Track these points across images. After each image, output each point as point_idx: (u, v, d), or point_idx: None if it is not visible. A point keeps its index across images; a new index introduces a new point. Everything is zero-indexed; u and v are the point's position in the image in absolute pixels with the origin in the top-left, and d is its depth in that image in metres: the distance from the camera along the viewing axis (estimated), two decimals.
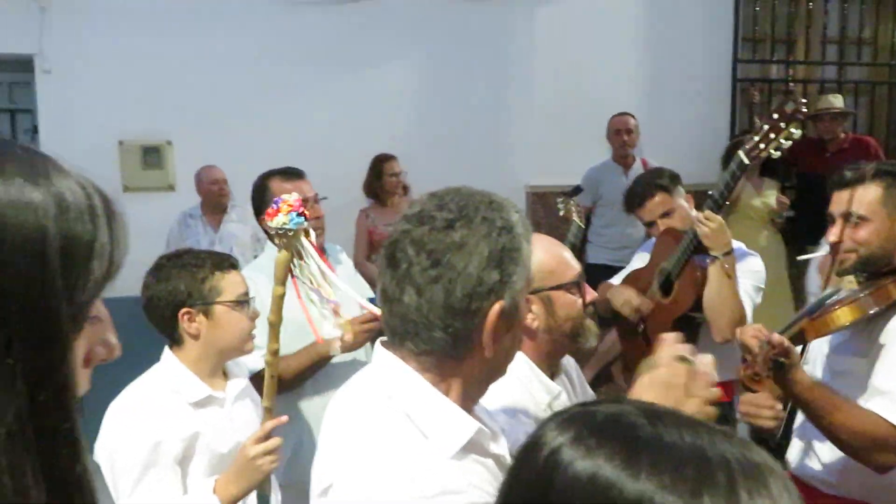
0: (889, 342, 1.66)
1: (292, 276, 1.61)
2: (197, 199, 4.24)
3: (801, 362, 1.63)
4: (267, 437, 1.63)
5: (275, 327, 1.62)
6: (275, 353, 1.63)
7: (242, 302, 1.78)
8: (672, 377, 1.03)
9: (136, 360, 1.78)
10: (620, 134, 4.49)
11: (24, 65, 4.25)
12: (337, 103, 4.59)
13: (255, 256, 2.55)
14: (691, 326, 2.40)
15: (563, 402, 1.50)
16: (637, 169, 4.52)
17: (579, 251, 4.67)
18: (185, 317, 1.70)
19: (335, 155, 4.41)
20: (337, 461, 0.95)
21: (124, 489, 1.60)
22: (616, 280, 2.77)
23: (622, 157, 4.54)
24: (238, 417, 1.80)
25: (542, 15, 4.84)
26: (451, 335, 0.92)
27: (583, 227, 2.83)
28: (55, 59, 4.18)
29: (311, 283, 1.64)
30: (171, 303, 1.70)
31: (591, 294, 1.48)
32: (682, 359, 1.05)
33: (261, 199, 2.27)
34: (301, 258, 1.61)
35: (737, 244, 2.50)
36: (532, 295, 1.42)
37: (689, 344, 1.09)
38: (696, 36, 5.02)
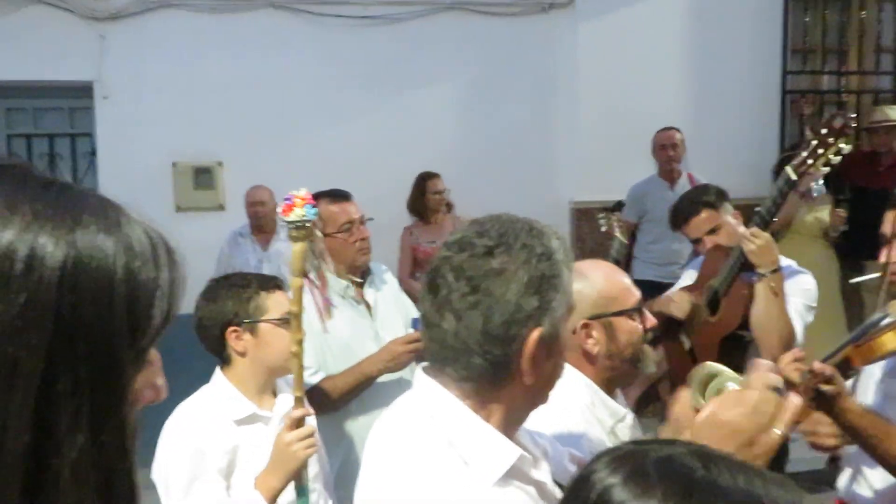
0: None
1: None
2: (246, 218, 4.35)
3: (846, 390, 1.57)
4: (299, 424, 1.66)
5: (297, 317, 1.65)
6: (299, 342, 1.66)
7: (287, 320, 1.82)
8: (761, 403, 1.01)
9: (195, 378, 1.85)
10: (665, 149, 4.45)
11: (83, 90, 4.45)
12: (383, 123, 4.67)
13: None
14: (740, 345, 2.36)
15: (628, 424, 1.50)
16: (683, 184, 4.46)
17: (624, 267, 4.63)
18: (233, 335, 1.77)
19: (381, 174, 4.49)
20: (379, 487, 0.96)
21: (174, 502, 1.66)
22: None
23: (668, 172, 4.49)
24: None
25: (585, 30, 4.84)
26: (490, 361, 0.93)
27: (626, 242, 2.80)
28: (113, 85, 4.36)
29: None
30: (219, 322, 1.77)
31: (650, 321, 1.49)
32: (775, 389, 1.03)
33: None
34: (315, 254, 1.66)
35: (787, 261, 2.45)
36: (593, 321, 1.45)
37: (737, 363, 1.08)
38: (743, 48, 4.95)
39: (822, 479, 1.96)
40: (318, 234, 1.64)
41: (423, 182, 4.44)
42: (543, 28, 4.86)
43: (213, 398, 1.79)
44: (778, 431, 0.99)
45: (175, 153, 4.45)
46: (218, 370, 1.84)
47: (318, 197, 2.34)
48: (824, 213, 4.50)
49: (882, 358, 1.63)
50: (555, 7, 4.85)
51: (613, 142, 4.79)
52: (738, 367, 2.36)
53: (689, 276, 2.67)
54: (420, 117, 4.72)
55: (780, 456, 2.49)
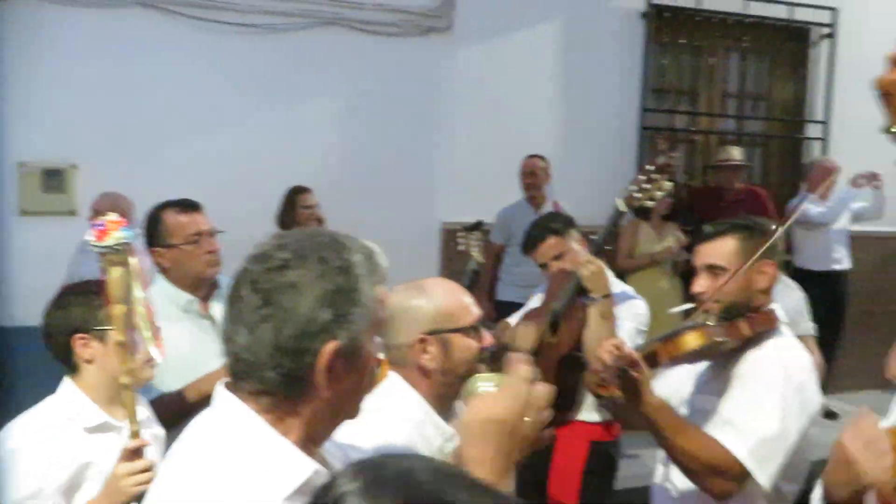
0: (738, 378, 1.78)
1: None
2: None
3: (650, 382, 1.70)
4: (132, 457, 1.61)
5: (124, 346, 1.62)
6: (129, 372, 1.63)
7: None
8: (518, 394, 1.08)
9: (45, 389, 1.77)
10: (527, 176, 4.64)
11: None
12: (257, 134, 4.59)
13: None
14: (578, 365, 2.49)
15: (456, 443, 1.54)
16: (548, 210, 4.66)
17: (481, 286, 4.77)
18: (80, 342, 1.72)
19: (253, 185, 4.39)
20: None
21: None
22: (513, 320, 2.85)
23: (532, 198, 4.68)
24: None
25: (463, 55, 4.97)
26: (283, 375, 0.93)
27: (482, 261, 2.90)
28: None
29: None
30: (66, 329, 1.73)
31: (487, 339, 1.54)
32: (529, 381, 1.11)
33: (153, 230, 2.26)
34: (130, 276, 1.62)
35: (623, 287, 2.63)
36: (430, 336, 1.48)
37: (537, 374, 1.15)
38: (608, 84, 5.26)
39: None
40: (133, 260, 1.62)
41: (294, 196, 4.39)
42: (422, 51, 4.95)
43: (61, 406, 1.73)
44: (531, 419, 1.07)
45: (22, 152, 4.16)
46: (66, 378, 1.77)
47: (164, 206, 2.30)
48: (672, 243, 4.83)
49: (684, 355, 1.76)
50: (433, 31, 4.96)
51: (487, 165, 4.94)
52: (574, 385, 2.52)
53: (537, 299, 2.80)
54: (296, 131, 4.67)
55: (608, 468, 2.67)
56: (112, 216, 1.60)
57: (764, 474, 1.65)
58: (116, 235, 1.57)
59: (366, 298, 0.98)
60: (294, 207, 4.37)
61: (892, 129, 0.74)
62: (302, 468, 0.94)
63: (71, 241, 4.05)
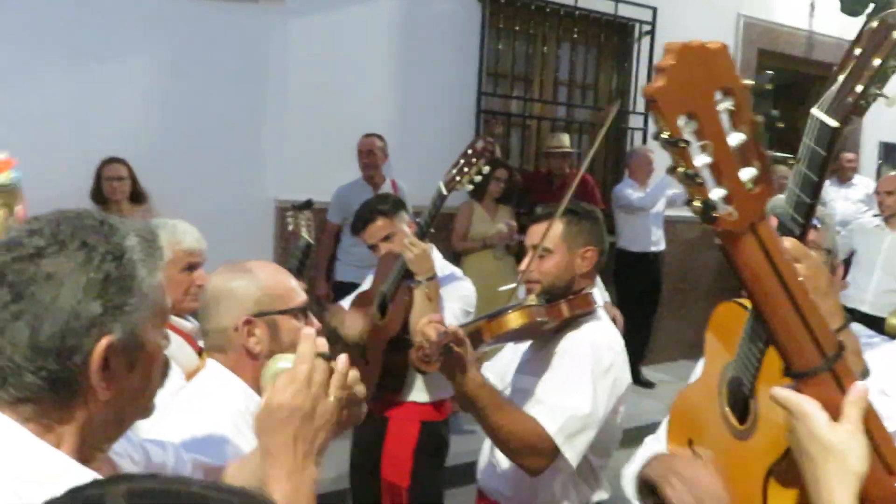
0: (554, 359, 1.85)
1: None
2: None
3: (473, 360, 1.71)
4: None
5: None
6: None
7: None
8: (312, 373, 1.02)
9: None
10: (363, 155, 4.59)
11: None
12: (59, 94, 4.13)
13: None
14: (406, 346, 2.48)
15: None
16: (386, 189, 4.63)
17: (317, 267, 4.68)
18: None
19: (56, 153, 3.95)
20: None
21: None
22: (345, 303, 2.80)
23: (369, 177, 4.64)
24: None
25: (296, 26, 4.78)
26: (46, 378, 0.82)
27: (312, 242, 2.82)
28: None
29: None
30: None
31: (316, 323, 1.50)
32: (322, 355, 1.05)
33: None
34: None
35: (452, 269, 2.65)
36: (256, 318, 1.43)
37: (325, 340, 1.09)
38: (446, 65, 5.28)
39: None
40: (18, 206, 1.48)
41: (102, 168, 4.04)
42: (253, 18, 4.69)
43: None
44: (331, 398, 1.03)
45: None
46: None
47: None
48: (504, 226, 4.97)
49: (507, 333, 1.80)
50: None
51: (322, 143, 4.81)
52: (403, 366, 2.51)
53: (368, 281, 2.77)
54: (104, 91, 4.24)
55: (439, 448, 2.70)
56: (2, 155, 1.49)
57: (572, 450, 1.72)
58: (9, 175, 1.41)
59: (144, 286, 0.88)
60: (101, 180, 4.03)
61: (662, 136, 0.76)
62: (77, 480, 0.84)
63: None
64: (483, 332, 1.78)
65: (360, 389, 1.11)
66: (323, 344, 1.06)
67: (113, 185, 4.01)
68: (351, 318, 2.63)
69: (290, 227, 2.94)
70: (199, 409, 1.45)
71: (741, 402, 1.04)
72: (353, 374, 1.08)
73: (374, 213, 2.57)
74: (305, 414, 1.01)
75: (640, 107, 6.06)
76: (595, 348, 1.82)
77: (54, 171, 3.83)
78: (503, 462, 1.91)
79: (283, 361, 1.10)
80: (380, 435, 2.61)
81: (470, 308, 2.55)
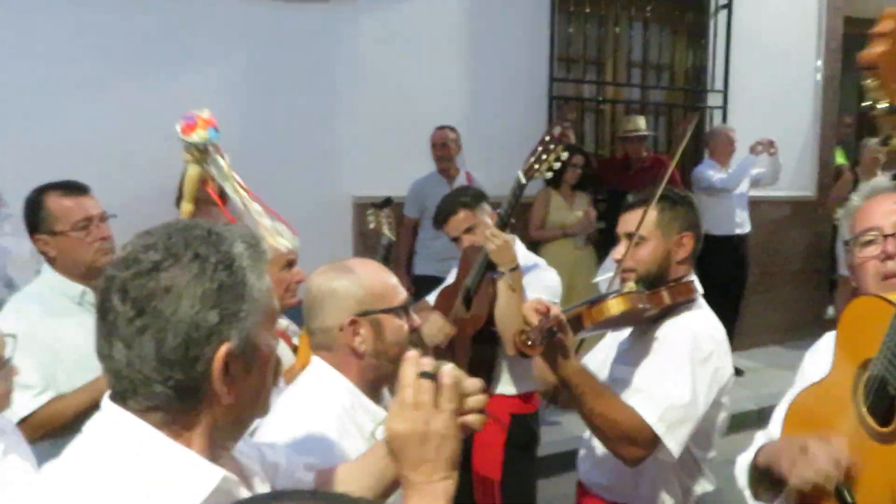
0: (653, 347, 1.80)
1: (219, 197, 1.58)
2: None
3: (574, 346, 1.70)
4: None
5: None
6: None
7: None
8: (417, 395, 1.03)
9: None
10: (437, 148, 4.59)
11: None
12: (146, 106, 4.29)
13: (38, 272, 2.33)
14: (492, 340, 2.48)
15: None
16: (461, 181, 4.62)
17: (396, 262, 4.71)
18: None
19: (143, 162, 4.13)
20: None
21: None
22: (431, 298, 2.80)
23: (444, 170, 4.63)
24: None
25: (366, 23, 4.82)
26: (173, 388, 0.85)
27: (393, 239, 2.84)
28: None
29: (240, 198, 1.61)
30: None
31: (416, 321, 1.52)
32: (425, 374, 1.05)
33: (35, 216, 2.08)
34: (212, 178, 1.61)
35: (536, 259, 2.62)
36: (361, 318, 1.45)
37: (432, 359, 1.08)
38: (516, 53, 5.23)
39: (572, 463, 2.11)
40: (221, 161, 1.56)
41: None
42: (325, 18, 4.75)
43: None
44: (445, 412, 1.02)
45: None
46: None
47: (46, 189, 2.11)
48: (582, 213, 4.89)
49: (607, 320, 1.76)
50: None
51: (395, 137, 4.84)
52: (490, 360, 2.50)
53: (452, 274, 2.77)
54: (187, 99, 4.37)
55: (529, 440, 2.68)
56: (205, 113, 1.57)
57: (673, 440, 1.67)
58: (201, 134, 1.54)
59: (255, 291, 0.90)
60: None
61: (880, 105, 0.71)
62: (209, 477, 0.87)
63: None
64: (584, 318, 1.74)
65: (479, 399, 1.10)
66: (428, 363, 1.06)
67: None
68: (429, 323, 2.63)
69: (372, 226, 2.96)
70: (305, 409, 1.48)
71: (885, 403, 0.97)
72: (472, 382, 1.08)
73: (456, 205, 2.56)
74: (420, 436, 1.01)
75: (719, 84, 5.85)
76: (695, 336, 1.77)
77: (139, 177, 4.01)
78: (602, 454, 1.88)
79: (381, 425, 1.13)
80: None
81: (555, 299, 2.50)
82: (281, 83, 4.68)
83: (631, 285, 1.81)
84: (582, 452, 2.04)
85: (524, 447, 2.62)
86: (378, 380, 1.53)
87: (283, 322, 2.08)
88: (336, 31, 4.78)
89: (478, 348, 2.47)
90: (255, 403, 0.97)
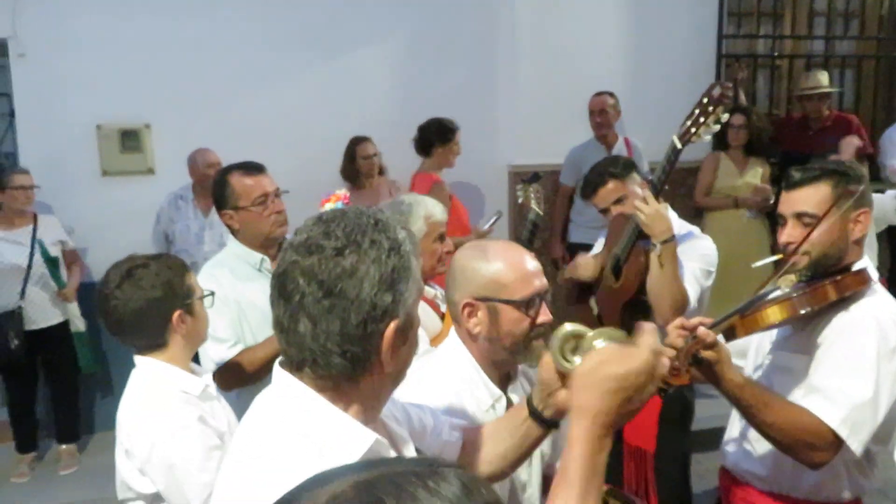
0: (827, 341, 1.65)
1: None
2: (178, 181, 4.25)
3: (729, 359, 1.58)
4: None
5: None
6: None
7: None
8: (646, 364, 1.03)
9: None
10: (595, 114, 4.48)
11: None
12: (315, 85, 4.59)
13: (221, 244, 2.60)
14: (642, 309, 2.41)
15: (504, 406, 1.52)
16: (620, 148, 4.50)
17: (552, 231, 4.69)
18: (178, 318, 1.75)
19: (313, 138, 4.43)
20: (232, 484, 0.96)
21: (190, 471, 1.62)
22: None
23: (602, 136, 4.52)
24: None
25: None
26: (350, 360, 0.96)
27: (541, 213, 2.84)
28: (29, 43, 4.17)
29: None
30: (166, 308, 1.74)
31: (544, 316, 1.47)
32: (657, 353, 1.06)
33: (221, 194, 2.30)
34: None
35: (689, 227, 2.51)
36: (479, 302, 1.45)
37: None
38: (680, 11, 4.95)
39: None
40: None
41: (353, 147, 4.40)
42: None
43: (166, 381, 1.74)
44: (653, 388, 1.04)
45: (99, 115, 4.30)
46: (144, 357, 1.78)
47: (230, 170, 2.33)
48: (757, 179, 4.58)
49: (763, 329, 1.65)
50: None
51: (552, 105, 4.78)
52: None
53: (599, 244, 2.73)
54: (353, 79, 4.64)
55: (684, 413, 2.60)
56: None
57: (857, 441, 1.55)
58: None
59: (416, 272, 1.00)
60: (354, 158, 4.39)
61: None
62: (363, 439, 0.97)
63: (148, 199, 4.22)
64: (737, 329, 1.62)
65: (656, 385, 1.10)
66: (659, 346, 1.07)
67: (366, 163, 4.37)
68: (583, 261, 2.62)
69: (521, 200, 2.98)
70: (437, 375, 1.53)
71: None
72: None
73: (604, 175, 2.50)
74: (631, 396, 1.01)
75: None
76: (880, 325, 1.60)
77: (311, 154, 4.29)
78: (759, 442, 1.78)
79: (600, 340, 1.13)
80: None
81: (711, 268, 2.39)
82: (440, 55, 4.78)
83: (791, 278, 1.66)
84: (728, 438, 1.93)
85: (679, 419, 2.55)
86: (496, 363, 1.52)
87: (432, 291, 2.17)
88: (493, 3, 4.78)
89: (628, 318, 2.43)
90: (403, 371, 1.06)
